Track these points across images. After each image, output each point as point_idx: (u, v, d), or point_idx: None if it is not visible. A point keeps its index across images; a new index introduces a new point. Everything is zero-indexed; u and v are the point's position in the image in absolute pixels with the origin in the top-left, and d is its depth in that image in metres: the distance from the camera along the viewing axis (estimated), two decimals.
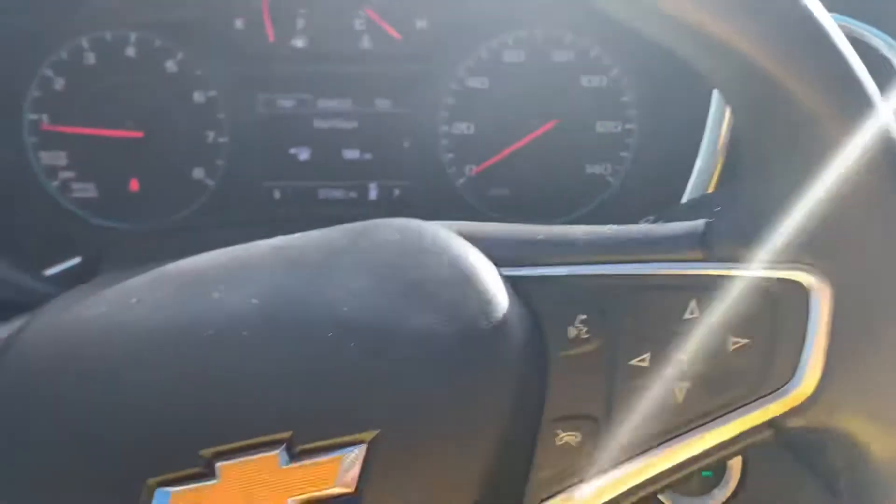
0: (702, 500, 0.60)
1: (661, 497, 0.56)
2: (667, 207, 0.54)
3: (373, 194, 0.73)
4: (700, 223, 0.38)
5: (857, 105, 0.35)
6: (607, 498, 0.37)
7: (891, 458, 0.37)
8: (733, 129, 0.61)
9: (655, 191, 0.67)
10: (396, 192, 0.73)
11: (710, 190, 0.62)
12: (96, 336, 0.36)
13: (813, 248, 0.36)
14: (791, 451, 0.55)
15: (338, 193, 0.72)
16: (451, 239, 0.38)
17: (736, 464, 0.60)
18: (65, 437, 0.34)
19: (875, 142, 0.35)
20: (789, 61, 0.35)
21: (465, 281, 0.36)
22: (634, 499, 0.38)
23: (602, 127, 0.72)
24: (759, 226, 0.37)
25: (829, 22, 0.35)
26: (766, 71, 0.36)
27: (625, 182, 0.72)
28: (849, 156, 0.35)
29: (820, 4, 0.35)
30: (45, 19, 0.68)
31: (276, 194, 0.72)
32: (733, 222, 0.37)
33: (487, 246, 0.38)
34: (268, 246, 0.38)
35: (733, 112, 0.40)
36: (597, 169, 0.72)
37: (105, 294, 0.37)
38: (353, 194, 0.72)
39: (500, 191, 0.73)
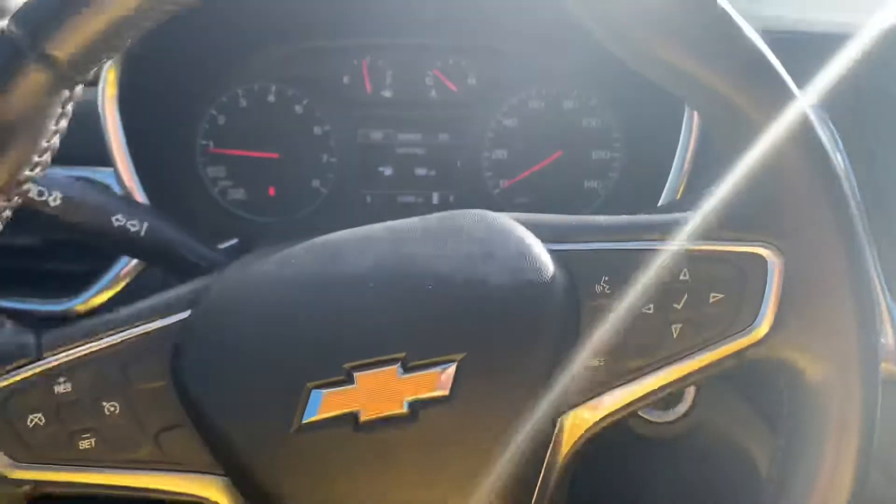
0: (666, 413, 0.70)
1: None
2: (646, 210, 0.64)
3: (435, 200, 0.84)
4: (686, 213, 0.42)
5: (780, 101, 0.39)
6: (620, 406, 0.42)
7: (820, 380, 0.41)
8: (695, 156, 0.69)
9: (634, 201, 0.79)
10: (451, 198, 0.84)
11: (678, 197, 0.69)
12: (269, 284, 0.41)
13: (766, 228, 0.41)
14: (736, 385, 0.64)
15: (411, 199, 0.83)
16: (511, 223, 0.43)
17: (690, 390, 0.70)
18: (247, 352, 0.40)
19: (800, 145, 0.39)
20: (740, 85, 0.39)
21: (523, 251, 0.42)
22: (639, 406, 0.42)
23: (596, 155, 0.82)
24: (725, 213, 0.41)
25: (751, 33, 0.39)
26: (726, 97, 0.39)
27: (611, 194, 0.83)
28: (782, 156, 0.39)
29: (757, 37, 0.39)
30: (212, 75, 0.79)
31: (369, 199, 0.83)
32: (709, 211, 0.42)
33: (536, 229, 0.43)
34: (382, 226, 0.44)
35: (704, 123, 0.45)
36: (592, 184, 0.83)
37: (272, 257, 0.43)
38: (421, 200, 0.83)
39: (524, 199, 0.83)
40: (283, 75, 0.81)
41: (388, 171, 0.84)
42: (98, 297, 0.69)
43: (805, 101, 0.39)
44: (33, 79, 0.35)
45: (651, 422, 0.70)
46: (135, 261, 0.68)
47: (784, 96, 0.39)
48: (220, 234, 0.75)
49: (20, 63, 0.35)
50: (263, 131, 0.81)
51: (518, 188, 0.84)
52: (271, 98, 0.81)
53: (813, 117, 0.40)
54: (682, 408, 0.71)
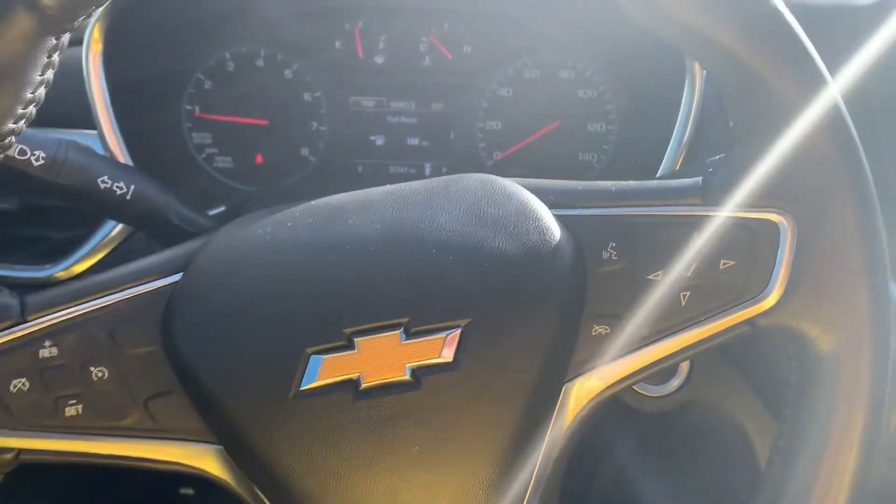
0: (660, 387, 0.70)
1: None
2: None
3: (427, 171, 0.82)
4: (698, 179, 0.42)
5: (813, 83, 0.39)
6: (627, 374, 0.42)
7: (829, 349, 0.41)
8: (693, 131, 0.69)
9: (627, 174, 0.71)
10: (444, 169, 0.82)
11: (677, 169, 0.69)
12: (264, 247, 0.40)
13: (781, 195, 0.40)
14: (741, 350, 0.64)
15: (403, 170, 0.82)
16: (516, 188, 0.43)
17: (685, 365, 0.70)
18: (242, 316, 0.39)
19: (825, 112, 0.39)
20: (762, 53, 0.39)
21: (528, 216, 0.41)
22: (646, 375, 0.42)
23: (591, 127, 0.81)
24: (740, 179, 0.41)
25: (792, 21, 0.39)
26: (744, 62, 0.39)
27: (606, 166, 0.82)
28: (806, 124, 0.39)
29: (792, 17, 0.39)
30: (199, 37, 0.77)
31: (360, 169, 0.82)
32: (723, 177, 0.41)
33: (542, 193, 0.43)
34: (383, 190, 0.43)
35: (723, 95, 0.43)
36: (586, 157, 0.82)
37: (268, 219, 0.42)
38: (413, 170, 0.82)
39: (518, 170, 0.81)
40: (273, 39, 0.78)
41: (379, 141, 0.82)
42: (80, 264, 0.67)
43: (827, 76, 0.39)
44: (19, 23, 0.34)
45: (645, 395, 0.69)
46: (118, 228, 0.66)
47: (813, 74, 0.39)
48: (206, 201, 0.74)
49: (6, 7, 0.34)
50: (251, 97, 0.79)
51: (512, 160, 0.83)
52: (260, 62, 0.79)
53: (839, 98, 0.39)
54: (675, 382, 0.71)
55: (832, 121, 0.39)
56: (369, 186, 0.80)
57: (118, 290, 0.41)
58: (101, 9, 0.59)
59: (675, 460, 0.78)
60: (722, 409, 0.71)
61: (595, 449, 0.76)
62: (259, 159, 0.81)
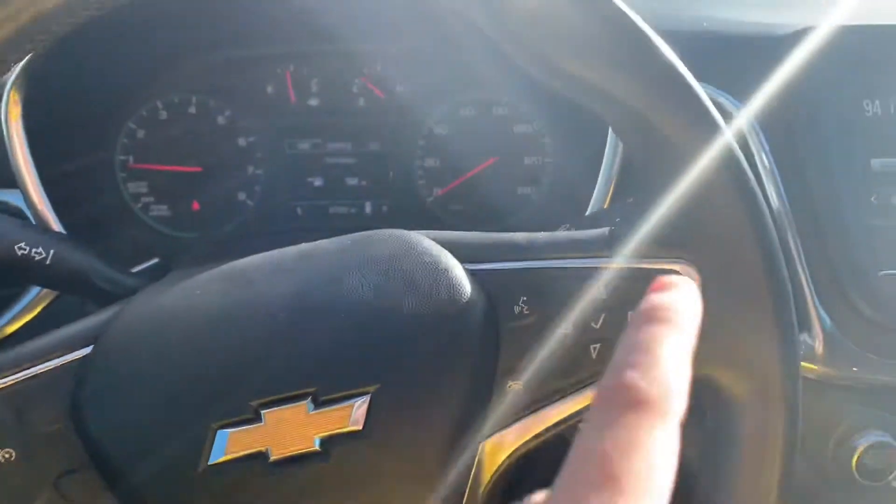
0: None
1: None
2: (576, 218, 0.66)
3: (368, 210, 0.82)
4: (605, 230, 0.42)
5: (709, 133, 0.39)
6: (543, 428, 0.41)
7: (742, 396, 0.41)
8: (623, 161, 0.69)
9: (567, 206, 0.78)
10: (385, 208, 0.82)
11: (606, 205, 0.70)
12: (173, 318, 0.40)
13: (684, 245, 0.41)
14: None
15: (342, 209, 0.82)
16: (428, 243, 0.42)
17: None
18: (151, 390, 0.39)
19: (722, 161, 0.39)
20: (657, 105, 0.39)
21: (439, 274, 0.41)
22: (563, 427, 0.42)
23: (528, 160, 0.82)
24: (645, 230, 0.41)
25: (686, 74, 0.39)
26: (639, 114, 0.39)
27: (545, 199, 0.82)
28: (703, 173, 0.39)
29: (681, 65, 0.39)
30: (130, 87, 0.77)
31: (299, 211, 0.81)
32: (628, 228, 0.41)
33: (454, 247, 0.42)
34: (295, 251, 0.43)
35: (626, 147, 0.44)
36: (525, 190, 0.82)
37: (178, 287, 0.42)
38: (353, 210, 0.82)
39: (458, 206, 0.83)
40: (204, 86, 0.78)
41: (317, 182, 0.82)
42: (11, 325, 0.66)
43: (722, 124, 0.39)
44: None
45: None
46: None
47: (706, 121, 0.39)
48: (143, 251, 0.76)
49: None
50: (185, 144, 0.79)
51: (452, 196, 0.83)
52: (192, 109, 0.79)
53: (733, 141, 0.39)
54: None
55: (729, 169, 0.39)
56: (310, 227, 0.83)
57: (24, 367, 0.40)
58: (17, 68, 0.59)
59: None
60: None
61: (537, 485, 0.76)
62: (196, 206, 0.80)
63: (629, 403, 0.22)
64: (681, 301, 0.26)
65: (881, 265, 0.63)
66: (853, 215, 0.64)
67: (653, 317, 0.25)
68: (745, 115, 0.65)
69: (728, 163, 0.39)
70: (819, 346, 0.63)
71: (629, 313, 0.41)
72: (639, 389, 0.22)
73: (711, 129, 0.39)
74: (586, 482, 0.21)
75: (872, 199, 0.65)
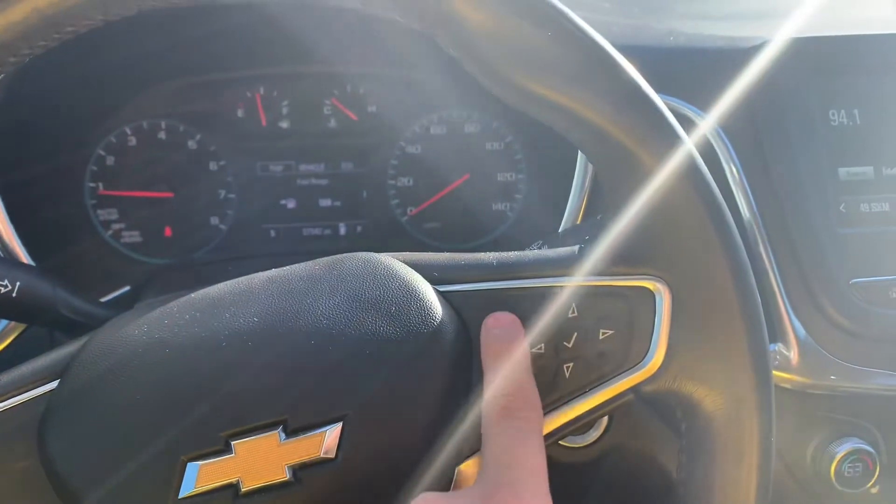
0: (582, 437, 0.69)
1: None
2: (549, 234, 0.63)
3: (342, 231, 0.82)
4: (575, 248, 0.42)
5: (673, 148, 0.39)
6: None
7: (715, 410, 0.41)
8: (594, 176, 0.69)
9: (540, 221, 0.79)
10: (359, 228, 0.82)
11: (579, 221, 0.71)
12: (140, 349, 0.39)
13: (653, 261, 0.41)
14: (647, 407, 0.64)
15: (316, 231, 0.82)
16: (399, 266, 0.42)
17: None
18: (118, 424, 0.38)
19: (687, 175, 0.39)
20: (620, 122, 0.39)
21: (410, 297, 0.40)
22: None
23: (501, 177, 0.82)
24: (613, 247, 0.41)
25: (645, 87, 0.39)
26: (604, 130, 0.39)
27: (519, 215, 0.83)
28: (669, 188, 0.39)
29: (640, 78, 0.39)
30: (97, 113, 0.76)
31: (272, 233, 0.81)
32: (597, 246, 0.41)
33: (425, 269, 0.42)
34: (264, 277, 0.42)
35: (592, 165, 0.44)
36: (499, 206, 0.83)
37: (145, 318, 0.41)
38: (327, 231, 0.82)
39: (433, 224, 0.83)
40: (174, 111, 0.78)
41: (290, 204, 0.82)
42: None
43: (688, 138, 0.39)
44: None
45: (566, 447, 0.69)
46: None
47: (668, 135, 0.39)
48: (114, 278, 0.74)
49: None
50: (155, 170, 0.78)
51: (426, 214, 0.83)
52: (162, 135, 0.78)
53: (696, 155, 0.39)
54: (595, 432, 0.70)
55: (693, 181, 0.39)
56: (283, 250, 0.83)
57: None
58: None
59: None
60: (644, 453, 0.71)
61: None
62: (168, 232, 0.80)
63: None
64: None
65: (851, 273, 0.64)
66: (822, 224, 0.65)
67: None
68: (709, 124, 0.66)
69: (691, 174, 0.39)
70: (794, 356, 0.63)
71: (601, 331, 0.41)
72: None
73: (673, 140, 0.39)
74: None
75: (841, 207, 0.66)
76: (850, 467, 0.63)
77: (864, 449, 0.63)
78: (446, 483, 0.40)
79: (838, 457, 0.63)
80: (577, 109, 0.39)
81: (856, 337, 0.63)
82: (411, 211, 0.83)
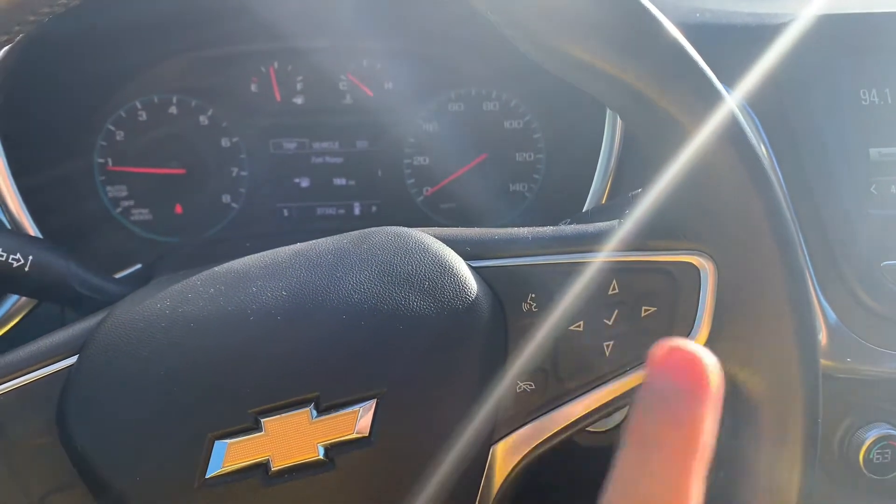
0: (602, 423, 0.64)
1: None
2: (570, 214, 0.62)
3: (356, 211, 0.81)
4: (614, 222, 0.41)
5: (723, 122, 0.38)
6: (555, 430, 0.40)
7: (758, 391, 0.40)
8: (620, 157, 0.68)
9: (560, 202, 0.78)
10: (374, 208, 0.81)
11: (604, 201, 0.69)
12: (163, 323, 0.38)
13: (699, 236, 0.39)
14: None
15: (331, 211, 0.80)
16: (430, 240, 0.41)
17: None
18: (141, 400, 0.37)
19: (737, 150, 0.38)
20: (667, 91, 0.38)
21: (443, 272, 0.39)
22: (576, 429, 0.40)
23: (520, 157, 0.81)
24: (657, 222, 0.40)
25: (688, 47, 0.38)
26: (644, 93, 0.38)
27: (538, 196, 0.82)
28: (717, 163, 0.38)
29: (690, 47, 0.38)
30: (108, 87, 0.74)
31: (286, 213, 0.79)
32: (640, 221, 0.40)
33: (457, 244, 0.41)
34: (291, 250, 0.41)
35: (634, 131, 0.41)
36: (517, 187, 0.81)
37: (167, 292, 0.40)
38: (342, 211, 0.80)
39: (449, 205, 0.81)
40: (186, 85, 0.76)
41: (304, 183, 0.80)
42: None
43: (733, 103, 0.38)
44: None
45: (587, 432, 0.66)
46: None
47: (712, 98, 0.38)
48: (124, 257, 0.71)
49: None
50: (166, 146, 0.76)
51: (442, 194, 0.82)
52: (173, 110, 0.76)
53: (741, 119, 0.38)
54: (618, 416, 0.66)
55: (740, 151, 0.38)
56: (296, 229, 0.81)
57: (6, 379, 0.38)
58: None
59: None
60: None
61: (538, 488, 0.74)
62: (179, 209, 0.78)
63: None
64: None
65: (883, 256, 0.62)
66: (853, 205, 0.63)
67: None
68: (736, 100, 0.63)
69: (736, 144, 0.38)
70: (823, 339, 0.62)
71: (643, 308, 0.39)
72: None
73: (718, 108, 0.37)
74: None
75: (872, 188, 0.64)
76: (878, 453, 0.62)
77: (894, 435, 0.62)
78: (481, 463, 0.39)
79: (867, 443, 0.62)
80: (619, 75, 0.38)
81: (886, 320, 0.62)
82: (427, 191, 0.82)
